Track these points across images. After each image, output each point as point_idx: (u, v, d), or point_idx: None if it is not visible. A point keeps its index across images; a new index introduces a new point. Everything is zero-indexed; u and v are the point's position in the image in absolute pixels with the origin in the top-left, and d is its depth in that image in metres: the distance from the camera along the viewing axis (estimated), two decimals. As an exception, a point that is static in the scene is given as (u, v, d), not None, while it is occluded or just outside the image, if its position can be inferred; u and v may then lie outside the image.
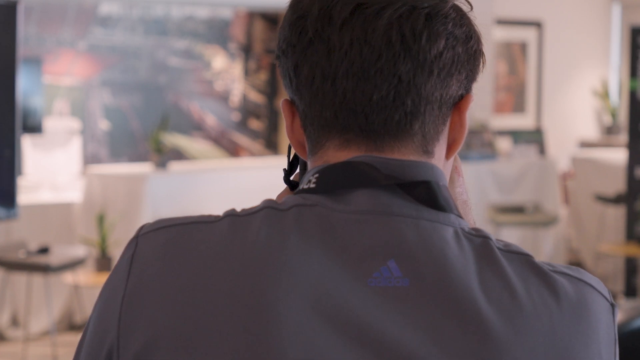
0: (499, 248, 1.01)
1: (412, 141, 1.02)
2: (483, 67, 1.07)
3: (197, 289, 0.97)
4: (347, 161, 1.01)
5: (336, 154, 1.02)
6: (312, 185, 1.02)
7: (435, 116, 1.02)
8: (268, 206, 1.01)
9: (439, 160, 1.05)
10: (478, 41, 1.05)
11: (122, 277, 1.00)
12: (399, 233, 0.98)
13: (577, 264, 8.37)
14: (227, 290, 0.96)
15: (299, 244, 0.97)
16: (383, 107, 1.00)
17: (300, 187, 1.03)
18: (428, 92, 1.01)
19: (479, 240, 1.00)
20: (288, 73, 1.05)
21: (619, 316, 3.38)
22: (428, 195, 1.00)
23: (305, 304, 0.95)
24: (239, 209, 1.02)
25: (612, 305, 1.04)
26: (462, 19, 1.03)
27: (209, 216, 1.02)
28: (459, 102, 1.05)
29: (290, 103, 1.07)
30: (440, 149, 1.05)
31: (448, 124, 1.05)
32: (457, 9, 1.03)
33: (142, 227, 1.02)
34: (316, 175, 1.02)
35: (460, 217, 1.02)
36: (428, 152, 1.03)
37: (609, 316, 1.03)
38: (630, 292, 7.53)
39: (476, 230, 1.02)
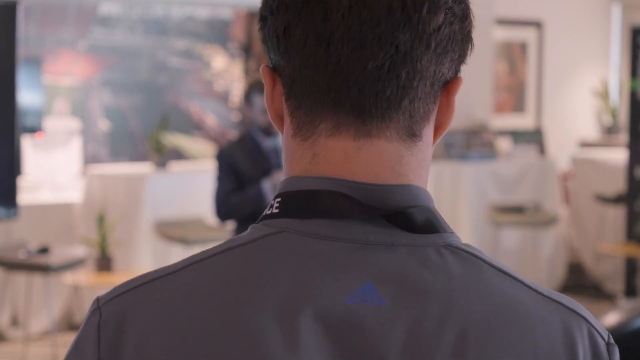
0: (490, 264, 0.99)
1: (398, 122, 0.98)
2: (471, 51, 1.04)
3: (176, 342, 0.94)
4: (317, 190, 0.97)
5: (328, 143, 0.98)
6: (275, 211, 0.99)
7: (427, 93, 0.99)
8: (231, 246, 0.97)
9: (428, 145, 1.02)
10: (471, 23, 1.02)
11: (92, 347, 0.96)
12: (373, 259, 0.95)
13: (577, 264, 8.37)
14: (208, 334, 0.93)
15: (270, 273, 0.95)
16: (377, 78, 0.96)
17: (264, 213, 1.00)
18: (423, 66, 0.97)
19: (467, 255, 0.98)
20: (276, 34, 0.99)
21: (619, 316, 3.38)
22: (405, 221, 0.97)
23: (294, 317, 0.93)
24: (197, 253, 0.99)
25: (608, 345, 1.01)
26: None
27: (166, 268, 0.98)
28: (449, 83, 1.02)
29: (272, 70, 1.02)
30: (429, 132, 1.01)
31: (437, 105, 1.01)
32: None
33: (97, 299, 0.98)
34: (278, 199, 1.00)
35: (450, 232, 1.00)
36: (415, 135, 0.99)
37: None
38: (630, 292, 7.53)
39: (467, 245, 1.00)
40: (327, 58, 0.96)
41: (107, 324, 0.96)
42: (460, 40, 1.00)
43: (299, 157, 1.00)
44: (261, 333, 0.93)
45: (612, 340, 1.01)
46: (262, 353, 0.92)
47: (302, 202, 0.98)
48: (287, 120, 1.02)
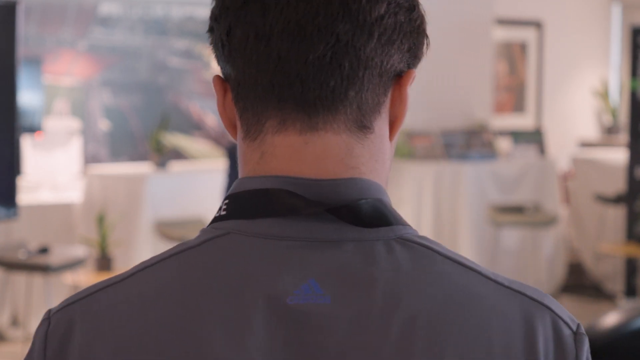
0: (445, 256, 0.98)
1: (345, 113, 0.97)
2: (427, 48, 1.03)
3: (118, 350, 0.94)
4: (264, 189, 0.97)
5: (274, 140, 0.97)
6: (223, 213, 0.99)
7: (375, 84, 0.97)
8: (178, 251, 0.97)
9: (382, 138, 1.00)
10: (422, 18, 1.01)
11: (39, 356, 0.97)
12: (318, 256, 0.95)
13: (577, 264, 8.37)
14: (151, 341, 0.93)
15: (214, 276, 0.94)
16: (319, 69, 0.95)
17: (214, 215, 1.00)
18: (368, 55, 0.96)
19: (419, 248, 0.97)
20: (220, 39, 1.00)
21: (619, 316, 3.37)
22: (352, 215, 0.96)
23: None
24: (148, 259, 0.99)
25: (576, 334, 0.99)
26: None
27: (117, 276, 0.99)
28: (401, 76, 1.00)
29: (222, 79, 1.02)
30: (382, 124, 1.00)
31: (389, 97, 1.00)
32: None
33: (49, 310, 0.99)
34: (226, 201, 0.99)
35: (404, 224, 0.98)
36: (365, 127, 0.98)
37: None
38: (630, 292, 7.53)
39: (422, 238, 0.99)
40: (268, 54, 0.96)
41: (54, 334, 0.97)
42: (409, 32, 0.99)
43: (249, 158, 1.00)
44: (206, 337, 0.92)
45: (581, 330, 0.99)
46: (207, 357, 0.92)
47: (249, 203, 0.97)
48: (238, 125, 1.01)
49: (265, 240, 0.96)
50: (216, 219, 0.99)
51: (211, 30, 1.03)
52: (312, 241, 0.96)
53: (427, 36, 1.03)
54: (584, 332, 0.99)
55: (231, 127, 1.03)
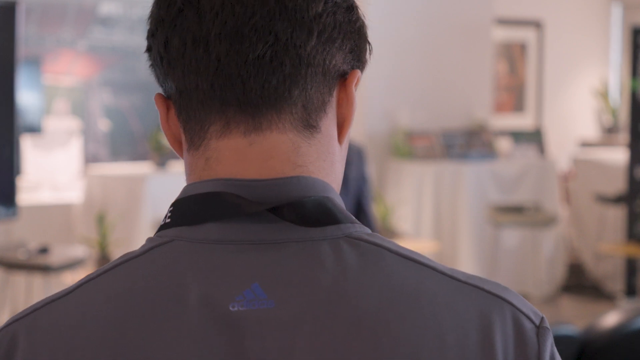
0: (396, 252, 0.96)
1: (291, 113, 0.95)
2: (370, 52, 1.02)
3: None
4: (205, 193, 0.95)
5: (219, 145, 0.96)
6: (168, 220, 0.97)
7: (319, 82, 0.96)
8: (121, 261, 0.96)
9: (330, 139, 0.98)
10: (362, 22, 1.00)
11: None
12: (262, 259, 0.93)
13: (577, 264, 8.37)
14: (92, 354, 0.92)
15: (158, 284, 0.93)
16: (260, 68, 0.94)
17: (160, 223, 0.99)
18: (309, 54, 0.95)
19: (368, 245, 0.95)
20: (159, 53, 0.98)
21: (619, 316, 3.37)
22: (296, 214, 0.94)
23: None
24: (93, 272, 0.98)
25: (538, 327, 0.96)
26: None
27: (62, 290, 0.98)
28: (345, 77, 0.99)
29: (164, 97, 1.00)
30: (329, 124, 0.98)
31: (335, 97, 0.98)
32: None
33: None
34: (171, 208, 0.98)
35: (352, 222, 0.96)
36: (311, 126, 0.97)
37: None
38: (630, 292, 7.53)
39: (371, 235, 0.96)
40: (207, 58, 0.95)
41: None
42: (349, 32, 0.98)
43: (194, 167, 0.99)
44: (147, 349, 0.91)
45: (545, 324, 0.96)
46: None
47: (191, 208, 0.96)
48: (182, 138, 1.00)
49: (207, 245, 0.94)
50: (161, 227, 0.98)
51: (149, 49, 1.01)
52: (255, 243, 0.94)
53: (369, 42, 1.01)
54: (548, 326, 0.96)
55: (176, 143, 1.01)
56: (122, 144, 7.99)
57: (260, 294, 0.92)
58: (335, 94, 0.99)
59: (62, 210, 6.73)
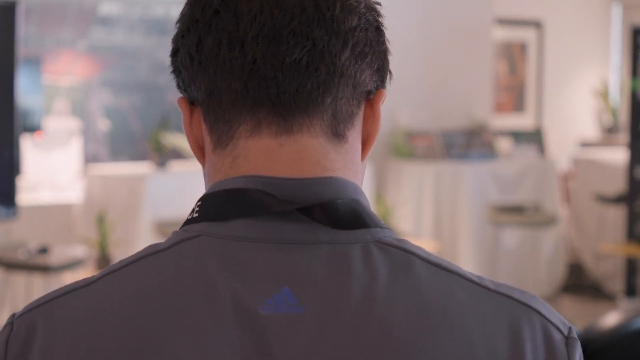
0: (425, 259, 0.95)
1: (322, 119, 0.95)
2: (390, 78, 1.02)
3: (80, 356, 0.91)
4: (234, 189, 0.94)
5: (248, 144, 0.96)
6: (195, 215, 0.96)
7: (349, 95, 0.96)
8: (146, 254, 0.95)
9: (355, 151, 0.99)
10: (387, 46, 1.01)
11: None
12: (291, 260, 0.92)
13: (577, 264, 8.37)
14: (114, 348, 0.90)
15: (183, 280, 0.92)
16: (296, 72, 0.94)
17: (187, 217, 0.98)
18: (343, 64, 0.95)
19: (397, 251, 0.94)
20: (189, 54, 0.98)
21: (619, 316, 3.37)
22: (327, 215, 0.93)
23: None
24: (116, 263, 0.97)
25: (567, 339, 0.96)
26: (374, 10, 0.99)
27: (84, 280, 0.97)
28: (372, 95, 0.99)
29: (187, 101, 1.01)
30: (355, 136, 0.99)
31: (362, 112, 0.99)
32: (369, 3, 0.99)
33: (13, 314, 0.97)
34: (199, 203, 0.97)
35: (382, 227, 0.95)
36: (339, 135, 0.97)
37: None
38: (630, 292, 7.53)
39: (400, 240, 0.95)
40: (243, 58, 0.94)
41: (15, 339, 0.94)
42: (378, 52, 0.99)
43: (220, 167, 0.98)
44: (171, 345, 0.90)
45: (573, 334, 0.95)
46: None
47: (219, 204, 0.95)
48: (207, 140, 0.99)
49: (236, 242, 0.93)
50: (188, 221, 0.97)
51: (175, 53, 1.00)
52: (283, 243, 0.93)
53: (390, 71, 1.02)
54: (576, 337, 0.96)
55: (197, 148, 1.01)
56: (122, 144, 7.98)
57: (290, 299, 0.91)
58: (362, 108, 0.99)
59: (62, 210, 6.73)
